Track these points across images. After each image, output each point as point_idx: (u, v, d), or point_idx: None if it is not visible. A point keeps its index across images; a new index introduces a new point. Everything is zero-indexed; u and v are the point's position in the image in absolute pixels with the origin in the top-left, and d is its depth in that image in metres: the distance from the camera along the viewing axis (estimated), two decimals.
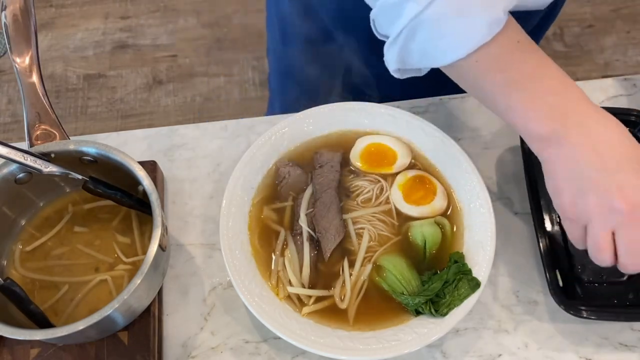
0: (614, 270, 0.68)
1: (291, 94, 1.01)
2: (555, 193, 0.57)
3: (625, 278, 0.68)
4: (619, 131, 0.55)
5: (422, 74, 0.64)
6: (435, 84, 0.95)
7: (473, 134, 0.81)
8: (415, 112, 0.76)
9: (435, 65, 0.60)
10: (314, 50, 0.90)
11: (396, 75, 0.64)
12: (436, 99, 0.84)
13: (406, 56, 0.60)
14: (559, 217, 0.73)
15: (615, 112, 0.76)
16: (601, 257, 0.55)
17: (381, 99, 0.78)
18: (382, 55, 0.63)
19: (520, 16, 0.60)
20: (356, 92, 0.85)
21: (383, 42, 0.62)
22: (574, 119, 0.55)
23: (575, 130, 0.54)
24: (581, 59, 2.14)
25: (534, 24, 0.86)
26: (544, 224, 0.67)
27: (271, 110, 1.18)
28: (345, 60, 0.88)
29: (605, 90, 0.85)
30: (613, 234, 0.54)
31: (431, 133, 0.74)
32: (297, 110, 0.75)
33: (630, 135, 0.55)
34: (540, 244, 0.66)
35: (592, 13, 2.23)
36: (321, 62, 0.91)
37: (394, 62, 0.61)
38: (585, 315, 0.62)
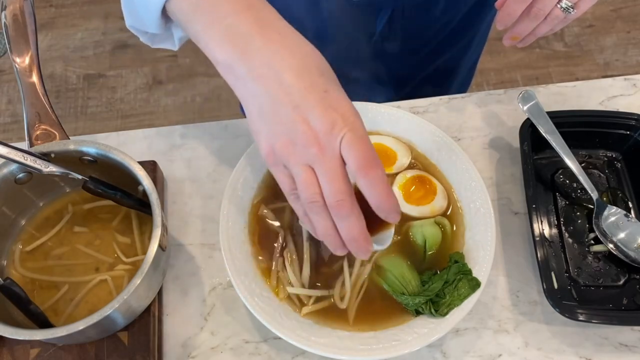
0: (610, 274, 0.69)
1: None
2: (254, 135, 0.52)
3: (621, 282, 0.69)
4: (308, 58, 0.50)
5: (176, 47, 0.63)
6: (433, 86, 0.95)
7: (473, 134, 0.81)
8: (415, 112, 0.76)
9: (152, 15, 0.56)
10: None
11: (148, 43, 0.63)
12: (436, 99, 0.84)
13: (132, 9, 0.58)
14: (556, 219, 0.73)
15: (615, 115, 0.77)
16: (306, 193, 0.49)
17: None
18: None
19: None
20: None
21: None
22: (256, 44, 0.49)
23: (257, 57, 0.49)
24: (581, 59, 2.14)
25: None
26: (540, 226, 0.68)
27: None
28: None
29: (605, 90, 0.85)
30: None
31: (431, 133, 0.74)
32: None
33: (320, 58, 0.51)
34: (536, 247, 0.66)
35: (592, 13, 2.23)
36: None
37: (127, 14, 0.61)
38: (580, 319, 0.62)
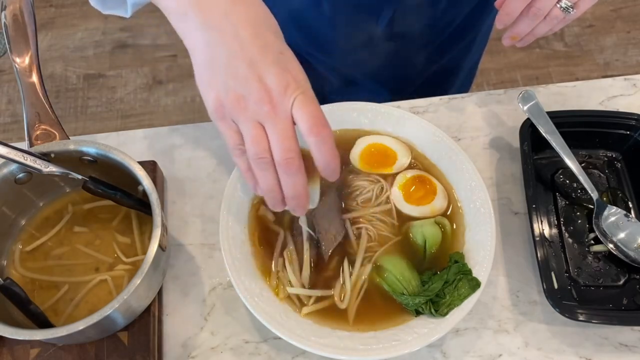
0: (610, 274, 0.69)
1: None
2: (201, 86, 0.51)
3: (621, 282, 0.69)
4: (265, 17, 0.50)
5: (128, 13, 0.61)
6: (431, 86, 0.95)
7: (473, 134, 0.81)
8: (415, 112, 0.76)
9: None
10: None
11: (99, 8, 0.62)
12: (436, 99, 0.84)
13: None
14: (556, 219, 0.73)
15: (615, 115, 0.77)
16: (256, 149, 0.49)
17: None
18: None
19: None
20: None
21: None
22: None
23: (214, 8, 0.48)
24: (581, 59, 2.14)
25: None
26: (540, 226, 0.68)
27: None
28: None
29: (605, 90, 0.85)
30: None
31: (431, 133, 0.74)
32: None
33: (273, 20, 0.51)
34: (536, 247, 0.66)
35: (592, 13, 2.23)
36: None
37: None
38: (580, 319, 0.62)
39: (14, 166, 0.62)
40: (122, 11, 0.62)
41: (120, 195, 0.65)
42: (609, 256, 0.70)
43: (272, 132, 0.48)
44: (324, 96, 0.91)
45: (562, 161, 0.72)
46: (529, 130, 0.74)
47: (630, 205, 0.74)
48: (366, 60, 0.92)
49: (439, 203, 0.70)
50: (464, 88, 1.11)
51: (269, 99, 0.47)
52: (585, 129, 0.76)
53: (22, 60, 0.64)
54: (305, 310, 0.63)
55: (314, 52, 0.90)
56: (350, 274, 0.66)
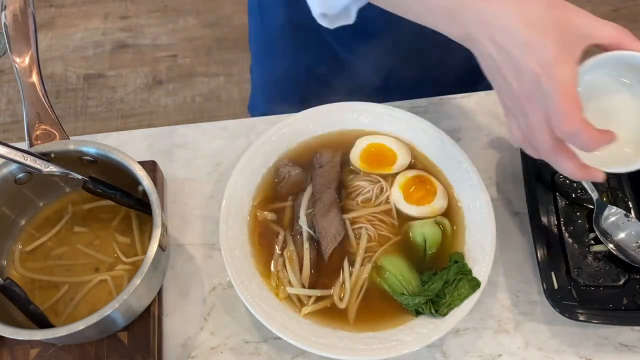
0: (610, 274, 0.69)
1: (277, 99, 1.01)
2: (495, 89, 0.56)
3: (621, 282, 0.69)
4: (511, 13, 0.52)
5: (352, 19, 0.63)
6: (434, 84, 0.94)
7: (473, 134, 0.81)
8: (415, 112, 0.76)
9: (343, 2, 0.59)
10: (304, 52, 0.90)
11: (325, 24, 0.63)
12: (436, 99, 0.84)
13: None
14: (556, 219, 0.73)
15: None
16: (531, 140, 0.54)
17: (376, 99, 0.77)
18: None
19: None
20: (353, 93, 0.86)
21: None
22: (468, 15, 0.53)
23: (473, 26, 0.53)
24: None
25: None
26: (541, 227, 0.67)
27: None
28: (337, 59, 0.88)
29: None
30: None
31: (431, 133, 0.74)
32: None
33: (526, 11, 0.52)
34: (536, 247, 0.66)
35: (592, 13, 2.22)
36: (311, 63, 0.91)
37: (316, 3, 0.61)
38: (580, 319, 0.62)
39: (14, 166, 0.62)
40: (346, 20, 0.64)
41: (120, 195, 0.65)
42: (609, 256, 0.70)
43: (530, 125, 0.52)
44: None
45: None
46: None
47: (630, 205, 0.74)
48: (379, 67, 0.92)
49: (439, 203, 0.70)
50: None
51: (526, 97, 0.51)
52: None
53: (22, 60, 0.64)
54: (305, 310, 0.63)
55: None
56: (350, 274, 0.66)
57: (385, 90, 0.88)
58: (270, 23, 0.91)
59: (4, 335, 0.53)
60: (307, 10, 0.82)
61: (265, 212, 0.70)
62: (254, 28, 0.99)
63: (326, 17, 0.62)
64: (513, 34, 0.51)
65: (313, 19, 0.84)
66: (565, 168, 0.53)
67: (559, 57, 0.50)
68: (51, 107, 0.64)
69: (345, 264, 0.66)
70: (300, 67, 0.93)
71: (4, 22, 0.65)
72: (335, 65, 0.89)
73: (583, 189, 0.73)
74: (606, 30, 0.52)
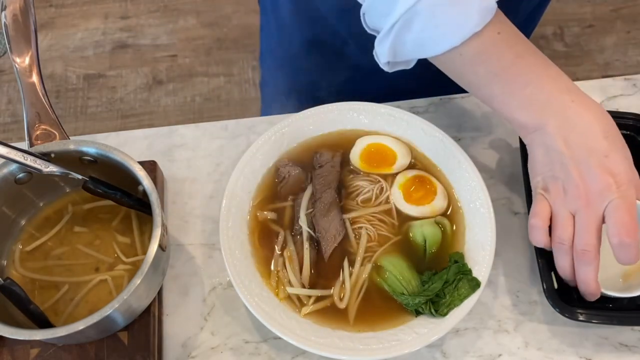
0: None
1: (287, 98, 1.00)
2: (532, 173, 0.63)
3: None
4: (594, 123, 0.58)
5: (411, 65, 0.65)
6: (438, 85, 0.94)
7: (473, 134, 0.81)
8: (415, 112, 0.76)
9: (427, 56, 0.61)
10: (316, 51, 0.89)
11: (386, 69, 0.65)
12: (436, 99, 0.84)
13: (399, 48, 0.61)
14: None
15: (615, 115, 0.76)
16: (560, 234, 0.60)
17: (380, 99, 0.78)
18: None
19: (509, 8, 0.61)
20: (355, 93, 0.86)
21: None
22: (551, 110, 0.59)
23: (552, 120, 0.58)
24: (581, 59, 2.14)
25: (524, 16, 0.86)
26: None
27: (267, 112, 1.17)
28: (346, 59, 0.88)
29: (605, 90, 0.85)
30: (574, 217, 0.59)
31: (431, 133, 0.74)
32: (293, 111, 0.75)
33: (607, 119, 0.59)
34: (536, 247, 0.66)
35: (592, 13, 2.23)
36: (322, 62, 0.91)
37: (386, 55, 0.62)
38: (580, 319, 0.62)
39: (14, 166, 0.62)
40: (406, 66, 0.66)
41: (120, 195, 0.65)
42: None
43: (579, 223, 0.58)
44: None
45: None
46: None
47: None
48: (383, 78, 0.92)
49: (439, 203, 0.70)
50: None
51: (586, 197, 0.57)
52: None
53: (22, 60, 0.64)
54: (305, 310, 0.63)
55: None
56: (350, 274, 0.66)
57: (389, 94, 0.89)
58: (290, 41, 0.91)
59: (4, 335, 0.53)
60: (330, 29, 0.83)
61: (265, 212, 0.70)
62: (270, 46, 0.99)
63: (389, 64, 0.64)
64: (592, 140, 0.57)
65: (336, 37, 0.84)
66: (591, 276, 0.59)
67: (632, 180, 0.57)
68: (51, 107, 0.64)
69: (345, 264, 0.66)
70: (321, 80, 0.93)
71: (4, 22, 0.65)
72: (355, 75, 0.89)
73: None
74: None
